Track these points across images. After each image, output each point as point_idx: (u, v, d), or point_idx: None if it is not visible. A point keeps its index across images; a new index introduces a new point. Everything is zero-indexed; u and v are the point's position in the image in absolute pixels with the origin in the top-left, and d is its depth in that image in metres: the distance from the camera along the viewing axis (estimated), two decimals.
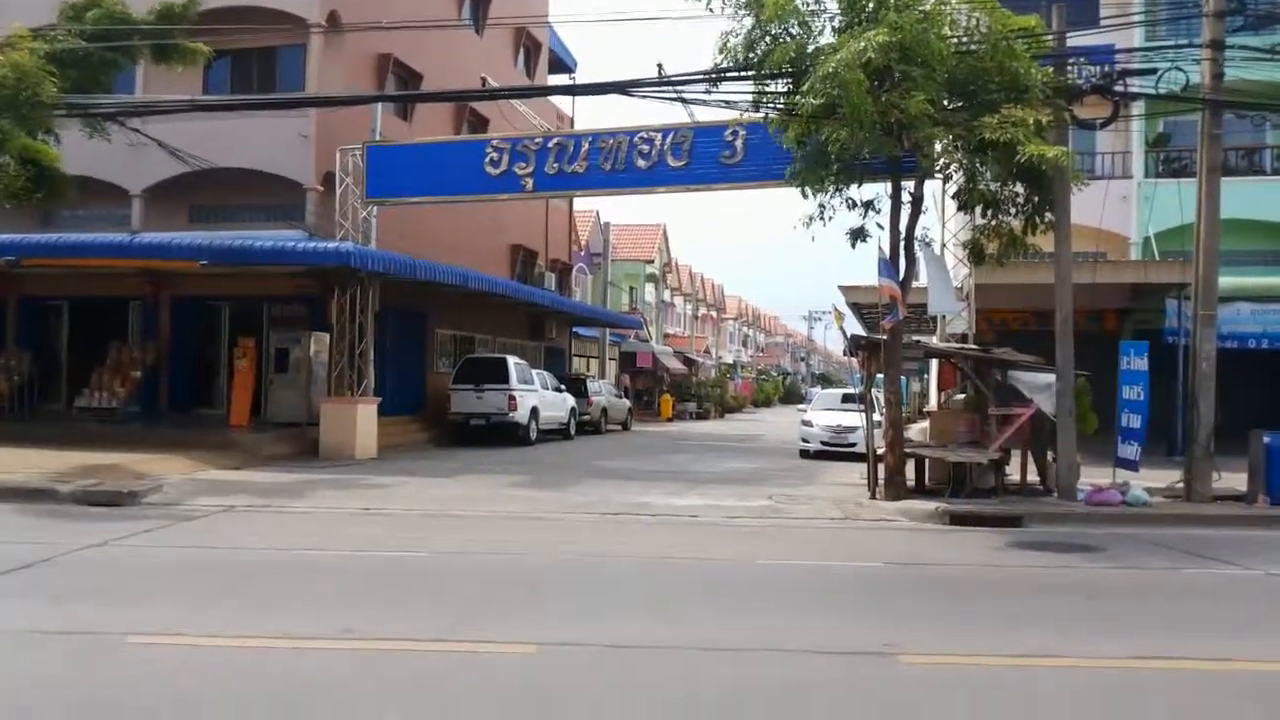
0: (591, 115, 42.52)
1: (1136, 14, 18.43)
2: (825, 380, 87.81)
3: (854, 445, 18.55)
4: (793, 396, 70.23)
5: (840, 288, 21.78)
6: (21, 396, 19.86)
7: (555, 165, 18.00)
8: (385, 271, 17.67)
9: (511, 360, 22.30)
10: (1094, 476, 12.60)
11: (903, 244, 12.58)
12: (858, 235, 13.04)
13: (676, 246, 59.90)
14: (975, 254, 13.51)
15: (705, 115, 16.90)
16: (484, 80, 25.42)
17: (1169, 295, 17.38)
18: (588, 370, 36.48)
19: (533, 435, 21.91)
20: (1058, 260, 12.57)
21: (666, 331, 55.38)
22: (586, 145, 17.96)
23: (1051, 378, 12.46)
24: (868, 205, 12.93)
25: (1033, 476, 13.18)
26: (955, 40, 11.28)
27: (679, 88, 13.22)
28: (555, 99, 32.24)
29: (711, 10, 11.74)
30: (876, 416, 14.06)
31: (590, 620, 6.37)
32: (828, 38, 11.50)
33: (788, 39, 11.50)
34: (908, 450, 12.70)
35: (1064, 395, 12.21)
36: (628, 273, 48.11)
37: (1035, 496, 12.65)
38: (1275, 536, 10.64)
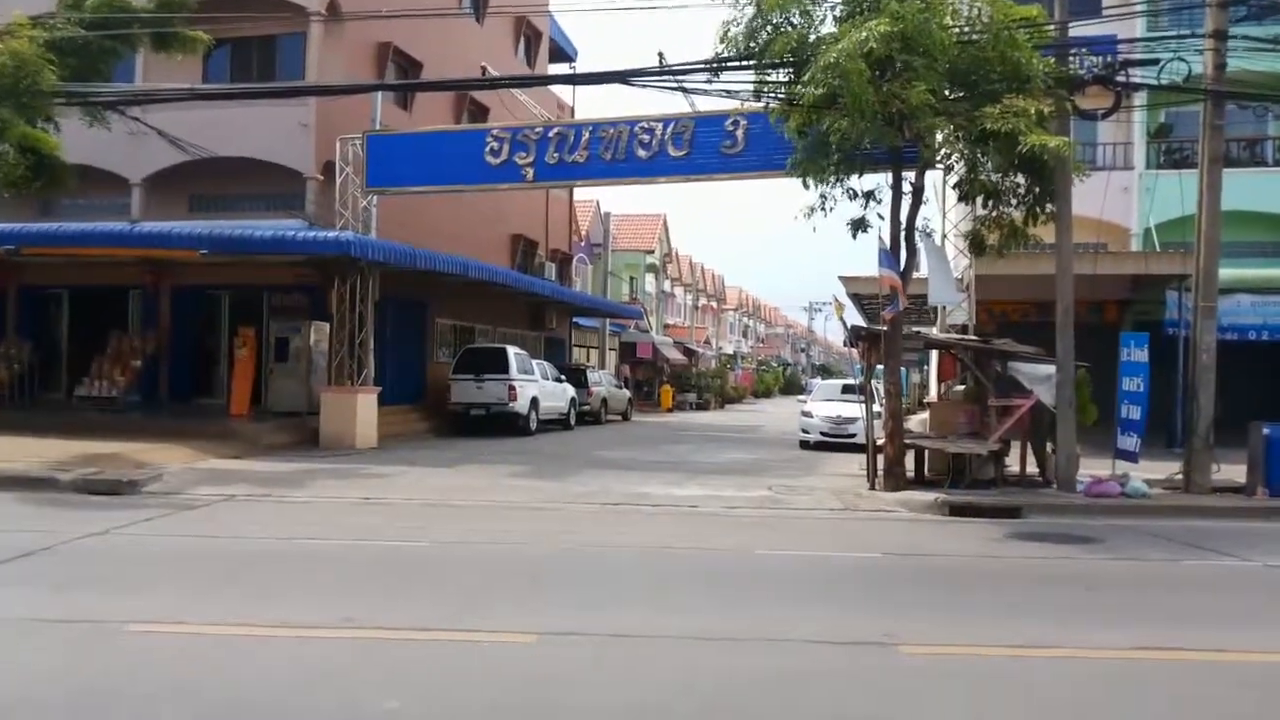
0: (592, 104, 42.55)
1: (1139, 4, 18.32)
2: (825, 371, 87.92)
3: (854, 436, 18.58)
4: (793, 387, 70.25)
5: (841, 278, 21.73)
6: (22, 385, 19.90)
7: (556, 155, 17.99)
8: (385, 261, 17.68)
9: (512, 350, 22.30)
10: (1093, 468, 12.60)
11: (903, 234, 12.56)
12: (858, 226, 13.03)
13: (677, 237, 59.94)
14: (976, 245, 13.48)
15: (706, 105, 16.93)
16: (484, 69, 25.38)
17: (1169, 287, 17.39)
18: (588, 360, 36.48)
19: (533, 425, 21.93)
20: (1059, 251, 12.54)
21: (667, 322, 55.40)
22: (587, 135, 17.94)
23: (1051, 369, 12.45)
24: (869, 196, 12.90)
25: (1032, 468, 13.18)
26: (957, 30, 11.26)
27: (680, 77, 13.19)
28: (556, 88, 32.19)
29: None
30: (876, 407, 14.05)
31: (591, 610, 6.38)
32: (829, 27, 11.47)
33: (789, 28, 11.48)
34: (907, 441, 12.70)
35: (1064, 386, 12.20)
36: (628, 263, 48.11)
37: (1035, 488, 12.66)
38: (1274, 528, 10.64)
